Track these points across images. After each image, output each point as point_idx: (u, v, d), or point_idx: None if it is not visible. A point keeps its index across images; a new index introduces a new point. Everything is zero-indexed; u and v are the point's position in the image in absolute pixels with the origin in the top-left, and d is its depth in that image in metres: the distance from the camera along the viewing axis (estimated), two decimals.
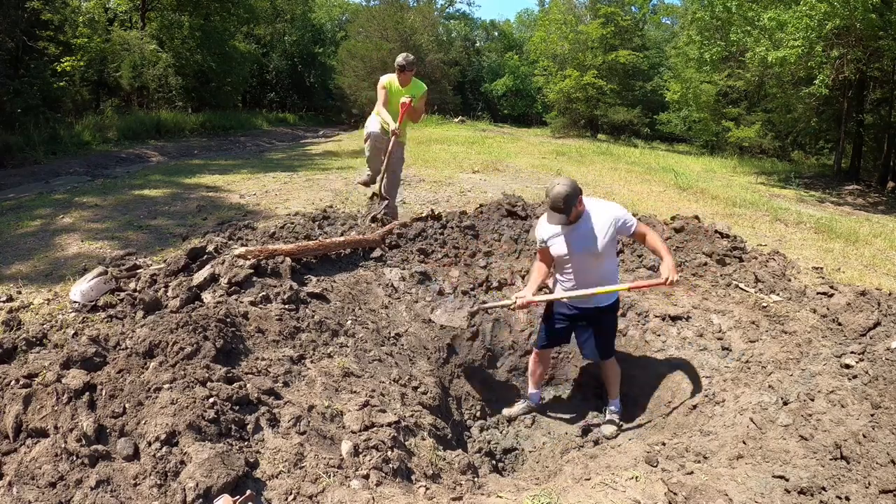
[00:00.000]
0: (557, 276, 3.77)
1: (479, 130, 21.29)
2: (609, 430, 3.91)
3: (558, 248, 3.54)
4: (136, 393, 2.47)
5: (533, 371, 4.08)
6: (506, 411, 4.18)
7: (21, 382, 2.45)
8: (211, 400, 2.44)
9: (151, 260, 4.31)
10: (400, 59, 5.29)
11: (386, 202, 5.64)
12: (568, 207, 3.27)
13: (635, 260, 4.82)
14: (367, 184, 5.88)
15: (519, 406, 4.16)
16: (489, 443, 3.91)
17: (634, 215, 5.39)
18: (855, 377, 3.11)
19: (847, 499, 2.29)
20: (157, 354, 2.74)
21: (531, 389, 4.14)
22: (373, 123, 5.56)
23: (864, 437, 2.57)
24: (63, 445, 2.18)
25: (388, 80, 5.41)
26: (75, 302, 3.44)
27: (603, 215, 3.44)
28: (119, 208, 6.64)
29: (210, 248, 4.09)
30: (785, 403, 3.13)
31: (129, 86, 20.51)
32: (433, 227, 5.25)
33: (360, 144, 5.85)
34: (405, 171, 8.68)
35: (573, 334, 3.92)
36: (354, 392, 3.01)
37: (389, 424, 2.74)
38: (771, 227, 7.01)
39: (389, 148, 5.46)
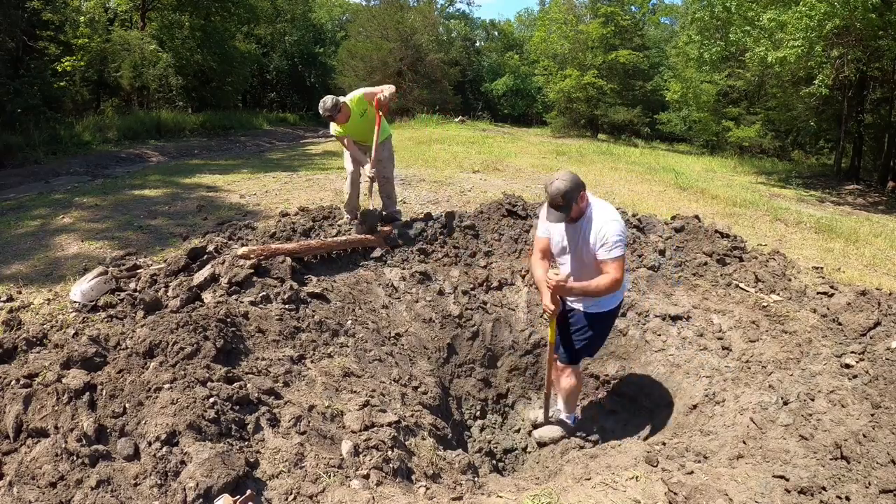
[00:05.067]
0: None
1: (480, 130, 21.25)
2: (545, 432, 3.80)
3: (554, 242, 3.25)
4: (136, 393, 2.47)
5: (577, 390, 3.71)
6: (537, 434, 3.88)
7: (21, 382, 2.45)
8: (211, 400, 2.44)
9: (151, 260, 4.31)
10: (320, 110, 4.89)
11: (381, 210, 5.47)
12: (568, 204, 2.90)
13: (635, 260, 4.81)
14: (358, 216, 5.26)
15: (551, 430, 3.83)
16: (489, 443, 3.92)
17: (634, 214, 5.46)
18: (855, 377, 3.11)
19: (847, 499, 2.29)
20: (157, 354, 2.75)
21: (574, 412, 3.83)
22: (348, 162, 5.28)
23: (865, 436, 2.57)
24: (63, 445, 2.18)
25: (335, 129, 5.07)
26: (75, 302, 3.44)
27: (599, 226, 3.00)
28: (119, 208, 6.63)
29: (210, 247, 4.10)
30: (785, 403, 3.13)
31: (129, 86, 20.53)
32: (433, 227, 5.25)
33: None
34: (406, 171, 8.67)
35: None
36: (355, 392, 3.01)
37: (390, 424, 2.74)
38: (771, 227, 7.00)
39: (373, 156, 5.04)
